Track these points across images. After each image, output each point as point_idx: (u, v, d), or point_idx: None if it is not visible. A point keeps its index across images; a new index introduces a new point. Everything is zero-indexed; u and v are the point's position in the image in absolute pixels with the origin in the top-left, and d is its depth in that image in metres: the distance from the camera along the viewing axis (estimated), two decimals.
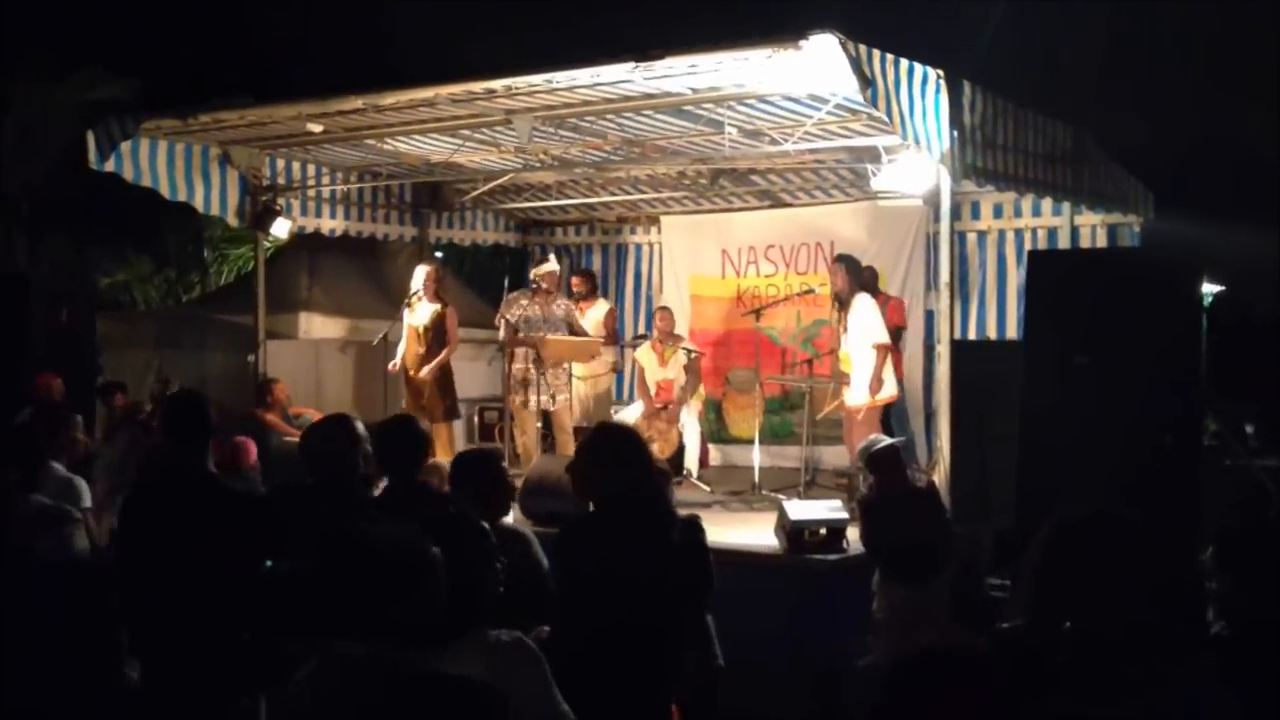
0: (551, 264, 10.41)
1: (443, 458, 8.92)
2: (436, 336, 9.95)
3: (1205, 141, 14.85)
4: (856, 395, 8.88)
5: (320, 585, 2.73)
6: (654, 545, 4.24)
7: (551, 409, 9.88)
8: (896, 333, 9.55)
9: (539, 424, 9.83)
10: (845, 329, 8.95)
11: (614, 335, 11.14)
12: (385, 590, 2.70)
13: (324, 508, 4.49)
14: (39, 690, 3.14)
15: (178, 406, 4.90)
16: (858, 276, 9.09)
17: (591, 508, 4.41)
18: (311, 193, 11.50)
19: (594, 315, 10.84)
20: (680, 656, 4.42)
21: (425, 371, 9.88)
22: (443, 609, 2.79)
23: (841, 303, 9.03)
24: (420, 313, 10.00)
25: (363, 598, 2.70)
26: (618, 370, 11.63)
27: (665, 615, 4.20)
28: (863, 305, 8.89)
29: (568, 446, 9.81)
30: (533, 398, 9.60)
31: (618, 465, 4.32)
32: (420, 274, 10.13)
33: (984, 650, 2.50)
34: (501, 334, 10.04)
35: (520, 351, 9.79)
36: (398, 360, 10.13)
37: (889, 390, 8.90)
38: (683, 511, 5.96)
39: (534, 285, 10.09)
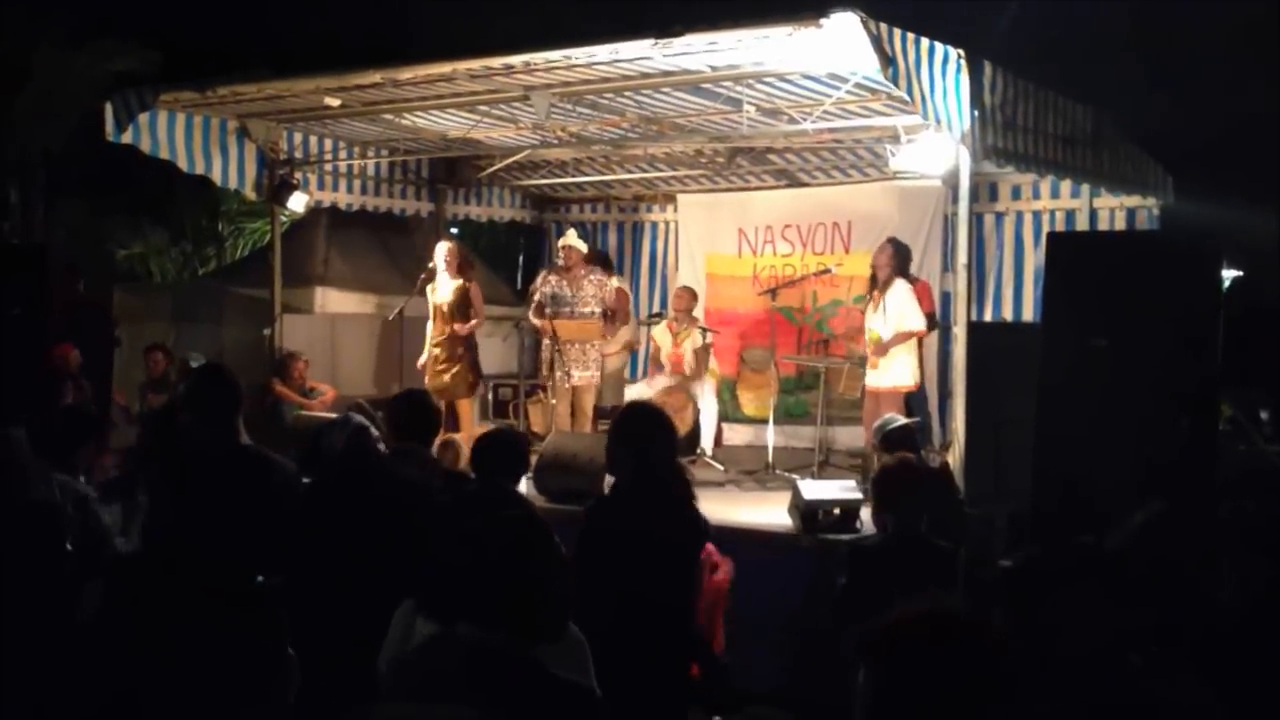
0: (569, 237, 10.41)
1: (464, 433, 8.98)
2: (461, 312, 9.89)
3: (1227, 124, 14.77)
4: (882, 378, 8.88)
5: (468, 568, 2.71)
6: (671, 522, 4.27)
7: (568, 385, 9.89)
8: (930, 318, 9.39)
9: (570, 401, 9.96)
10: (883, 311, 8.94)
11: (626, 314, 11.11)
12: (528, 580, 2.69)
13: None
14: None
15: (208, 384, 4.83)
16: (902, 261, 9.10)
17: (609, 487, 4.47)
18: (329, 167, 11.50)
19: None
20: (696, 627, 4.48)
21: (463, 329, 9.82)
22: (563, 605, 2.79)
23: (878, 284, 9.01)
24: (443, 290, 9.97)
25: (511, 585, 2.68)
26: (634, 350, 11.63)
27: (683, 592, 4.25)
28: (901, 290, 8.88)
29: (585, 426, 9.86)
30: (558, 374, 9.74)
31: (636, 445, 4.37)
32: (441, 250, 10.10)
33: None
34: (531, 312, 10.04)
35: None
36: (426, 357, 10.08)
37: (911, 378, 8.90)
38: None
39: (556, 261, 10.11)
